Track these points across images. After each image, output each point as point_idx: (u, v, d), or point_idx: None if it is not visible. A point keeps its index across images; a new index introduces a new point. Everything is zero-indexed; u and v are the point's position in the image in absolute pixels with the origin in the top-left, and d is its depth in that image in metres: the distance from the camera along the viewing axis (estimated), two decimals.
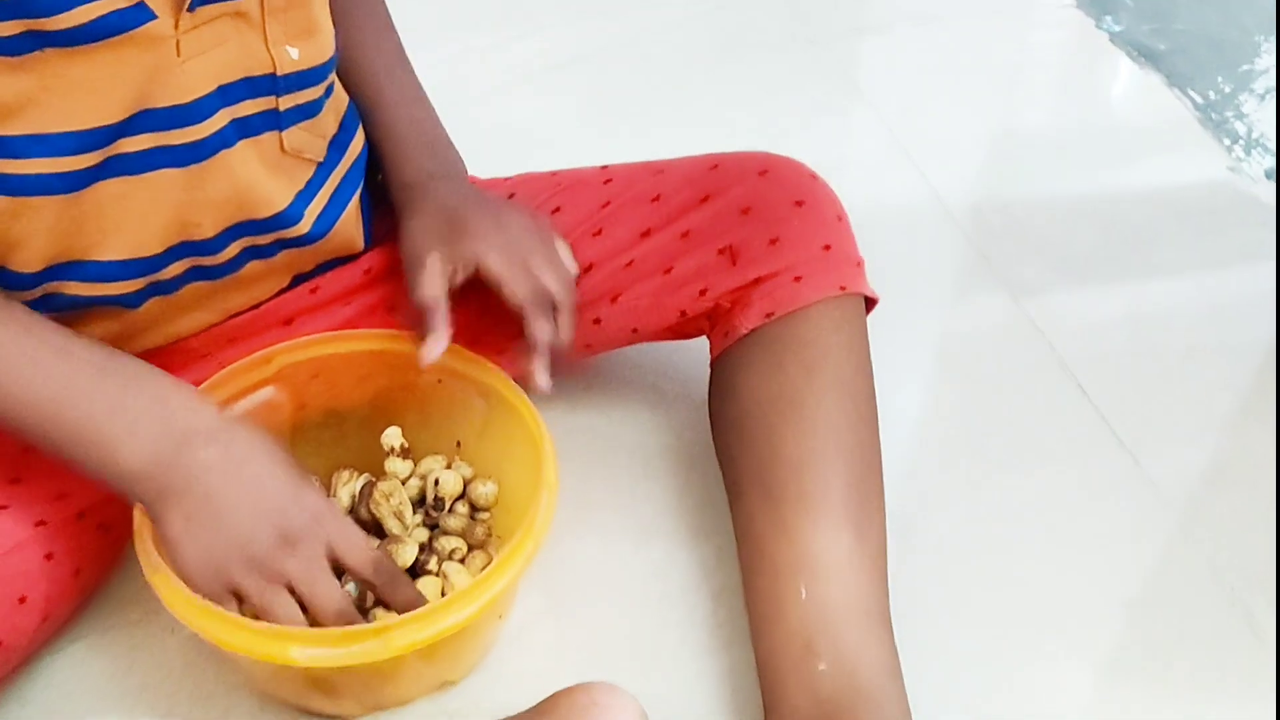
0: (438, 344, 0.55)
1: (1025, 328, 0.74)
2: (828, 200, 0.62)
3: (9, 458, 0.54)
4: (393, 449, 0.60)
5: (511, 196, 0.65)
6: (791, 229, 0.61)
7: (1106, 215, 0.84)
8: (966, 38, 1.01)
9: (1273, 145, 0.89)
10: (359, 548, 0.50)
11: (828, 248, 0.60)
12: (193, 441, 0.49)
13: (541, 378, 0.56)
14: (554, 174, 0.66)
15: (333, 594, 0.49)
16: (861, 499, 0.56)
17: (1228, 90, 0.94)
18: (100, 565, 0.57)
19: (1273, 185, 0.86)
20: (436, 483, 0.58)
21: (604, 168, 0.66)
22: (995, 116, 0.93)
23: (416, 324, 0.57)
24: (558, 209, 0.64)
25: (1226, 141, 0.89)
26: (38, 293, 0.53)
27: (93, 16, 0.45)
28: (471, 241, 0.57)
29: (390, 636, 0.47)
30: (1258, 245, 0.81)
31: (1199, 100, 0.93)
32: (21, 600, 0.52)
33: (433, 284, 0.57)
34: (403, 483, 0.59)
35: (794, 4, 1.04)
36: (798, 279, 0.59)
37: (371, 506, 0.57)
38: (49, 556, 0.53)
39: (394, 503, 0.57)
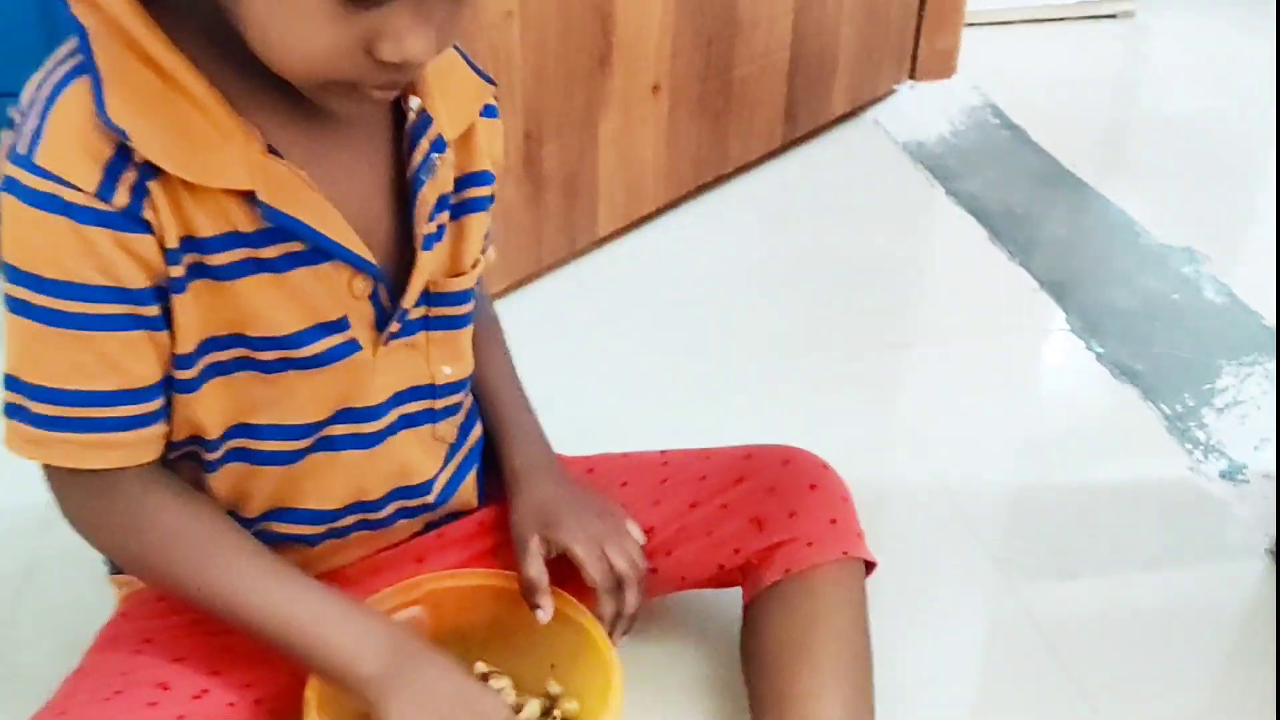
0: (545, 614, 0.75)
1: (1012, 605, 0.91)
2: (836, 485, 0.81)
3: (210, 653, 0.73)
4: (482, 674, 0.78)
5: (590, 472, 0.85)
6: (806, 506, 0.79)
7: (1086, 505, 1.01)
8: (976, 355, 1.21)
9: (1228, 452, 1.07)
10: None
11: (834, 521, 0.79)
12: (409, 651, 0.68)
13: (613, 638, 0.75)
14: (624, 455, 0.86)
15: None
16: (855, 709, 0.73)
17: (1191, 404, 1.12)
18: None
19: (1227, 484, 1.03)
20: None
21: (663, 452, 0.86)
22: (997, 421, 1.12)
23: (523, 582, 0.76)
24: (625, 483, 0.83)
25: (1188, 447, 1.07)
26: (252, 530, 0.73)
27: (323, 349, 0.66)
28: (561, 532, 0.77)
29: None
30: (1211, 537, 0.98)
31: (1167, 412, 1.12)
32: None
33: (535, 565, 0.76)
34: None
35: (833, 320, 1.25)
36: (809, 544, 0.78)
37: None
38: None
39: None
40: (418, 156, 0.67)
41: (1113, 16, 2.07)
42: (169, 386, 0.65)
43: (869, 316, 1.27)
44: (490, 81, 0.73)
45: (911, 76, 1.81)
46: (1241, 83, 1.80)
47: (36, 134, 0.58)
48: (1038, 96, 1.77)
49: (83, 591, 0.82)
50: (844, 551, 0.78)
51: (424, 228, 0.68)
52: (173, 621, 0.74)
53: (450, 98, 0.69)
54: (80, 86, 0.58)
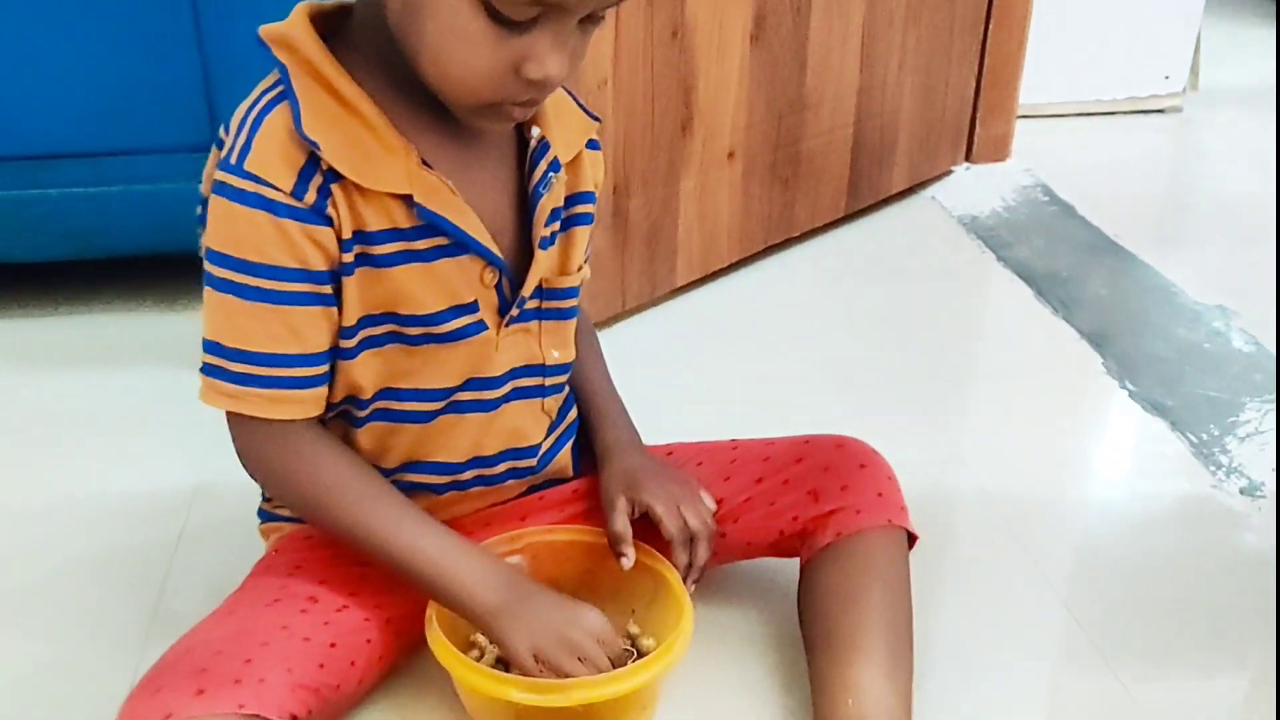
0: (628, 561, 0.88)
1: (1049, 595, 1.02)
2: (883, 466, 0.93)
3: (349, 579, 0.86)
4: None
5: (669, 454, 0.98)
6: (856, 481, 0.91)
7: (1117, 512, 1.12)
8: (1019, 391, 1.33)
9: (1248, 473, 1.17)
10: (613, 641, 0.82)
11: (880, 494, 0.91)
12: (521, 586, 0.82)
13: (685, 586, 0.88)
14: (699, 443, 0.99)
15: (602, 660, 0.80)
16: (894, 658, 0.84)
17: (1216, 434, 1.23)
18: (394, 651, 0.88)
19: (1246, 499, 1.13)
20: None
21: (733, 441, 0.99)
22: (1036, 443, 1.24)
23: (610, 534, 0.89)
24: (700, 463, 0.96)
25: (1212, 469, 1.18)
26: (389, 479, 0.87)
27: (457, 327, 0.80)
28: (644, 493, 0.90)
29: (570, 692, 0.77)
30: (1230, 542, 1.08)
31: (1194, 440, 1.22)
32: (351, 664, 0.82)
33: (621, 520, 0.89)
34: None
35: (890, 361, 1.38)
36: (858, 512, 0.89)
37: None
38: (368, 640, 0.84)
39: None
40: (537, 174, 0.82)
41: (1161, 111, 2.21)
42: (334, 354, 0.80)
43: (922, 358, 1.40)
44: (595, 119, 0.89)
45: (968, 159, 1.96)
46: None
47: (246, 147, 0.74)
48: (1085, 178, 1.91)
49: (228, 555, 0.95)
50: (889, 520, 0.90)
51: (540, 231, 0.83)
52: (318, 555, 0.88)
53: (563, 130, 0.85)
54: (282, 110, 0.74)
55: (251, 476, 0.84)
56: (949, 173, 1.94)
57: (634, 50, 1.34)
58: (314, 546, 0.88)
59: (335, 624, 0.83)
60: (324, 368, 0.79)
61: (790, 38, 1.54)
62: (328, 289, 0.77)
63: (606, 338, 1.36)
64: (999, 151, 1.98)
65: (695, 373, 1.35)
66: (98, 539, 1.06)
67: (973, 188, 1.89)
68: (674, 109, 1.42)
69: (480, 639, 0.87)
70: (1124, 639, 0.96)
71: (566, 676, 0.79)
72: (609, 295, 1.43)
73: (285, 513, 0.92)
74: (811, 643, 0.88)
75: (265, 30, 0.76)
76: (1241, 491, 1.14)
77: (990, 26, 1.88)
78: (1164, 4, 2.14)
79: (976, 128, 1.94)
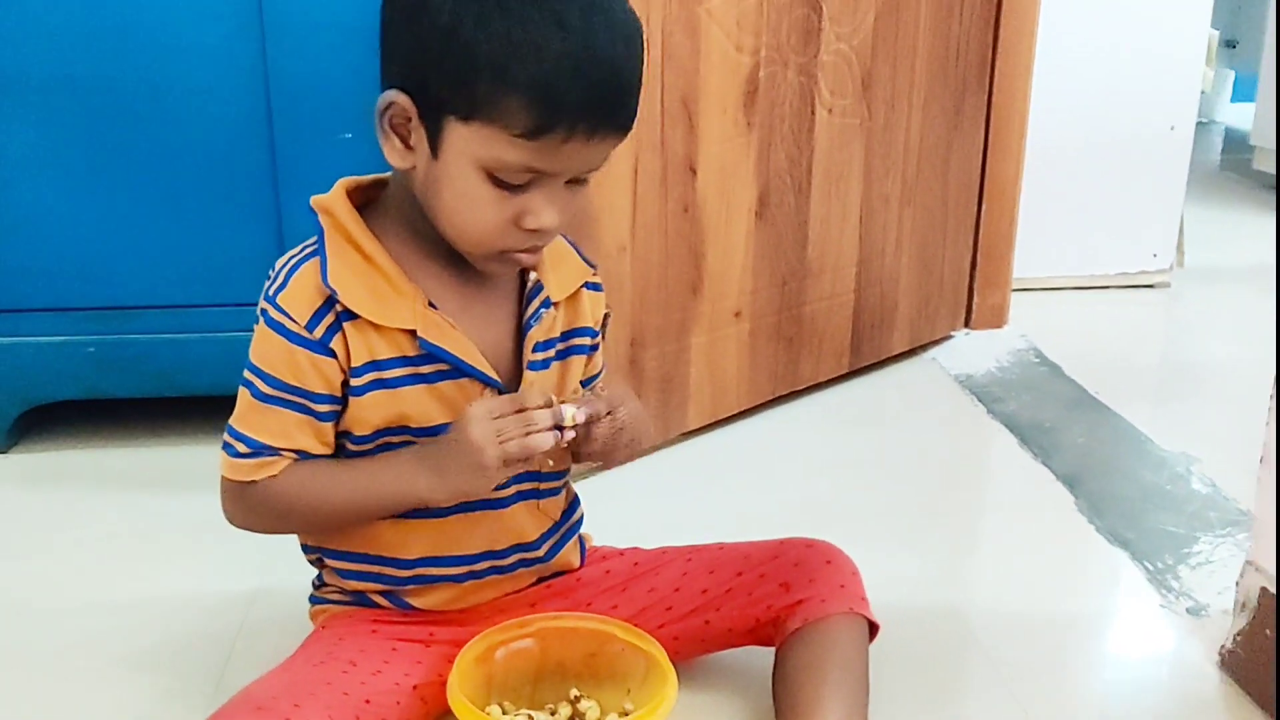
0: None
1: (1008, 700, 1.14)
2: (847, 563, 1.07)
3: (383, 651, 1.01)
4: (575, 697, 1.04)
5: (663, 553, 1.12)
6: (822, 575, 1.06)
7: (1078, 629, 1.25)
8: (998, 525, 1.48)
9: (1195, 596, 1.29)
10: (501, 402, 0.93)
11: (843, 586, 1.05)
12: (426, 452, 0.95)
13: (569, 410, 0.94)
14: (690, 545, 1.14)
15: (515, 427, 0.91)
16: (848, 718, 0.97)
17: (1170, 563, 1.36)
18: (420, 716, 1.01)
19: (1191, 618, 1.25)
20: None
21: (720, 544, 1.13)
22: (1007, 567, 1.37)
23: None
24: (689, 558, 1.11)
25: (1164, 592, 1.30)
26: (411, 573, 1.03)
27: None
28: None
29: None
30: (1172, 654, 1.20)
31: (1150, 568, 1.35)
32: None
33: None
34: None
35: (885, 499, 1.53)
36: (823, 601, 1.03)
37: None
38: (398, 702, 0.98)
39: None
40: (530, 310, 1.01)
41: (1150, 286, 2.39)
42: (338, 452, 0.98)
43: (914, 496, 1.54)
44: (591, 265, 1.08)
45: (967, 325, 2.13)
46: (1260, 335, 2.07)
47: (281, 286, 0.94)
48: (1074, 342, 2.08)
49: (282, 642, 1.09)
50: (850, 608, 1.04)
51: (530, 356, 1.01)
52: (358, 629, 1.03)
53: (559, 274, 1.04)
54: (314, 263, 0.94)
55: (241, 526, 1.02)
56: (949, 337, 2.11)
57: (649, 222, 1.54)
58: (355, 623, 1.04)
59: (370, 685, 0.97)
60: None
61: (792, 214, 1.74)
62: (321, 407, 0.95)
63: (625, 475, 1.53)
64: (996, 319, 2.15)
65: (704, 505, 1.50)
66: (167, 630, 1.22)
67: (971, 350, 2.06)
68: (685, 273, 1.61)
69: (498, 708, 1.01)
70: None
71: (509, 474, 0.93)
72: None
73: (333, 596, 1.07)
74: (780, 711, 1.01)
75: (314, 200, 0.97)
76: (1188, 611, 1.26)
77: (983, 207, 2.08)
78: (1148, 188, 2.33)
79: (974, 297, 2.12)
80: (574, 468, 1.09)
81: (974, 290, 2.12)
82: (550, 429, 0.92)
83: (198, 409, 1.64)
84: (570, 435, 0.94)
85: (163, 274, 1.55)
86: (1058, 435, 1.71)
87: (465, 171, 0.88)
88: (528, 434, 0.91)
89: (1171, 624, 1.25)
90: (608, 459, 1.02)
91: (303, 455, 0.97)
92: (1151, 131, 2.29)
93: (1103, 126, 2.30)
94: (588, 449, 0.99)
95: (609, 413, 0.97)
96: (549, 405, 0.92)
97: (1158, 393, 1.93)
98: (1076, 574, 1.37)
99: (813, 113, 1.72)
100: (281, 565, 0.97)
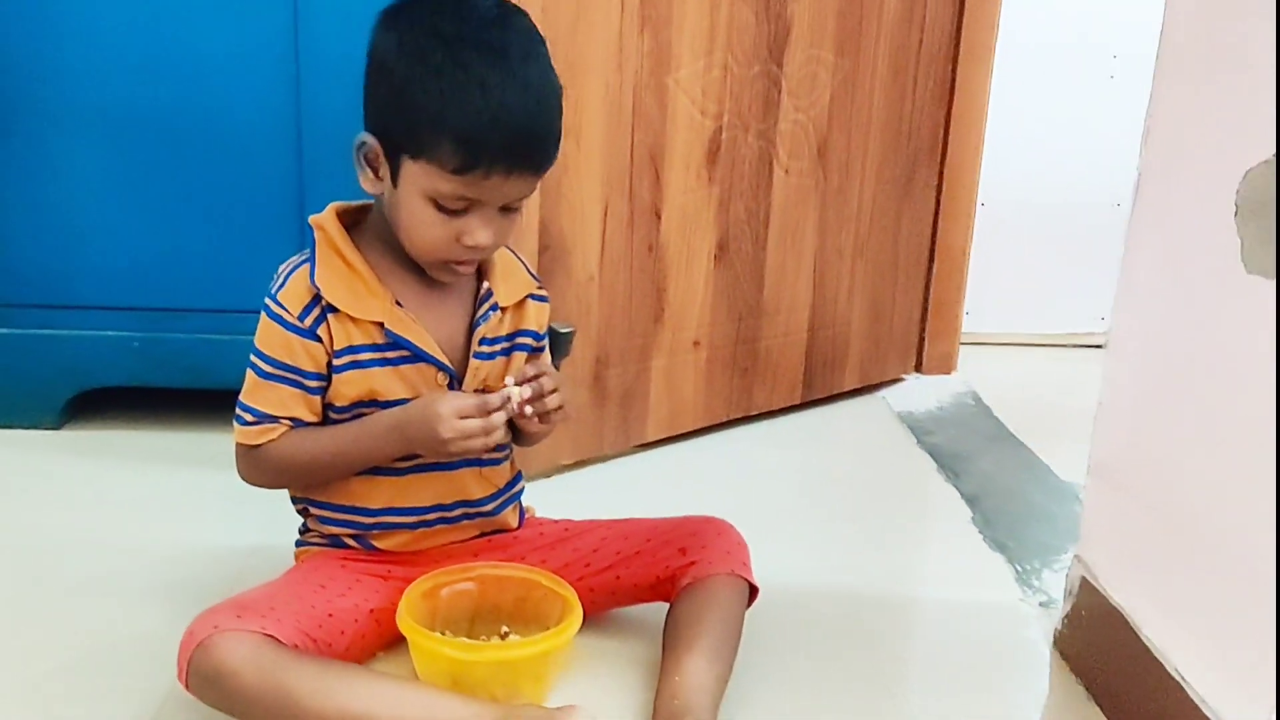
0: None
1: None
2: (736, 535, 1.31)
3: (348, 581, 1.25)
4: (504, 633, 1.28)
5: (580, 524, 1.37)
6: (713, 543, 1.29)
7: (956, 618, 1.47)
8: (901, 529, 1.69)
9: (1049, 592, 1.51)
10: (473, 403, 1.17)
11: (729, 552, 1.28)
12: (402, 427, 1.18)
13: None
14: (609, 519, 1.38)
15: (469, 425, 1.16)
16: (715, 655, 1.19)
17: (1037, 567, 1.58)
18: (374, 635, 1.25)
19: (1041, 610, 1.47)
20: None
21: (634, 519, 1.37)
22: (909, 566, 1.59)
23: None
24: (610, 527, 1.35)
25: (1024, 589, 1.52)
26: (375, 520, 1.28)
27: None
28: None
29: (484, 652, 1.14)
30: (1018, 635, 1.42)
31: (1019, 570, 1.57)
32: (341, 633, 1.20)
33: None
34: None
35: (814, 508, 1.75)
36: (710, 563, 1.27)
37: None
38: (356, 620, 1.21)
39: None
40: (480, 311, 1.26)
41: (1097, 346, 2.61)
42: (324, 420, 1.24)
43: (832, 504, 1.78)
44: (537, 279, 1.33)
45: (918, 370, 2.37)
46: None
47: (281, 285, 1.20)
48: (1011, 390, 2.31)
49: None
50: (732, 570, 1.27)
51: (475, 348, 1.26)
52: (331, 563, 1.27)
53: (509, 285, 1.29)
54: (306, 267, 1.21)
55: (252, 484, 1.27)
56: (901, 379, 2.34)
57: (616, 258, 1.80)
58: (329, 559, 1.29)
59: (334, 604, 1.22)
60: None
61: (750, 260, 1.99)
62: (311, 383, 1.21)
63: (583, 476, 1.78)
64: (945, 366, 2.38)
65: (651, 504, 1.72)
66: (183, 570, 1.48)
67: (918, 392, 2.29)
68: (648, 304, 1.86)
69: (439, 635, 1.25)
70: (926, 689, 1.31)
71: (467, 449, 1.17)
72: (589, 441, 1.84)
73: (314, 540, 1.32)
74: (665, 649, 1.24)
75: (312, 218, 1.24)
76: (1040, 604, 1.49)
77: (934, 266, 2.32)
78: (1097, 256, 2.55)
79: (925, 345, 2.35)
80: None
81: (925, 339, 2.35)
82: (505, 420, 1.18)
83: (225, 401, 1.90)
84: (516, 407, 1.19)
85: (201, 281, 1.83)
86: (971, 463, 1.94)
87: (415, 198, 1.14)
88: (488, 435, 1.17)
89: (1025, 614, 1.47)
90: (544, 431, 1.27)
91: (297, 423, 1.22)
92: (1099, 204, 2.53)
93: (1054, 198, 2.54)
94: (528, 428, 1.25)
95: (550, 391, 1.21)
96: (505, 403, 1.18)
97: (1069, 433, 2.13)
98: (957, 572, 1.59)
99: (771, 172, 1.97)
100: (275, 527, 1.26)
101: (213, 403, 1.94)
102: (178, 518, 1.64)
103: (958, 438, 2.05)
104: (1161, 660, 1.14)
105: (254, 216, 1.81)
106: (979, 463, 1.94)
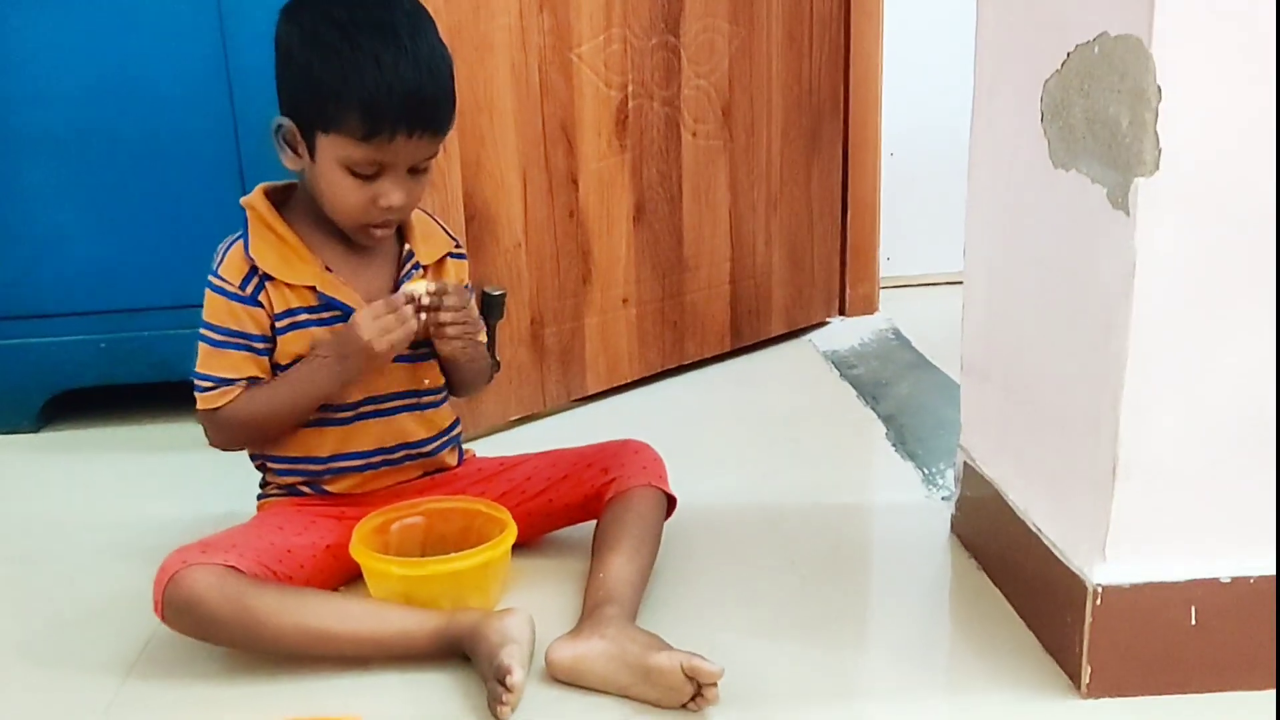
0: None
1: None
2: (652, 453, 1.46)
3: (305, 523, 1.39)
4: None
5: (520, 462, 1.52)
6: (632, 461, 1.44)
7: (870, 513, 1.62)
8: (823, 443, 1.85)
9: (952, 489, 1.66)
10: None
11: (645, 468, 1.43)
12: (332, 361, 1.33)
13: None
14: (543, 452, 1.53)
15: (381, 311, 1.31)
16: (635, 552, 1.34)
17: (942, 468, 1.73)
18: (330, 569, 1.39)
19: (941, 503, 1.62)
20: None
21: (572, 448, 1.52)
22: (825, 475, 1.74)
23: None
24: (541, 458, 1.49)
25: (929, 488, 1.68)
26: (325, 467, 1.42)
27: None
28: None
29: (428, 566, 1.29)
30: (924, 526, 1.57)
31: (925, 473, 1.73)
32: (301, 566, 1.34)
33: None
34: None
35: (750, 447, 1.91)
36: (629, 478, 1.42)
37: None
38: (313, 555, 1.36)
39: None
40: (403, 271, 1.41)
41: None
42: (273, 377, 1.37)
43: (758, 432, 1.93)
44: (453, 238, 1.48)
45: (842, 313, 2.52)
46: None
47: (220, 261, 1.35)
48: (931, 326, 2.45)
49: None
50: (649, 482, 1.42)
51: None
52: (288, 510, 1.41)
53: (428, 245, 1.44)
54: (240, 243, 1.35)
55: (221, 447, 1.41)
56: (826, 323, 2.49)
57: (540, 224, 1.94)
58: (286, 505, 1.43)
59: (292, 541, 1.36)
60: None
61: (667, 220, 2.14)
62: (258, 345, 1.35)
63: (530, 430, 1.93)
64: (868, 307, 2.54)
65: None
66: (158, 539, 1.61)
67: (842, 333, 2.45)
68: (575, 267, 2.01)
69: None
70: (839, 578, 1.46)
71: (391, 342, 1.31)
72: (531, 397, 1.98)
73: (273, 491, 1.46)
74: (592, 555, 1.39)
75: (243, 199, 1.38)
76: (943, 499, 1.64)
77: (848, 215, 2.47)
78: None
79: (846, 289, 2.51)
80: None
81: (845, 283, 2.50)
82: (416, 312, 1.32)
83: (190, 391, 2.04)
84: (426, 304, 1.32)
85: (158, 281, 1.97)
86: (889, 389, 2.09)
87: (332, 168, 1.29)
88: (403, 325, 1.30)
89: (928, 507, 1.62)
90: (460, 351, 1.39)
91: (252, 381, 1.36)
92: None
93: (959, 147, 2.68)
94: (442, 343, 1.37)
95: (453, 308, 1.34)
96: (410, 299, 1.32)
97: None
98: (869, 478, 1.75)
99: (679, 136, 2.12)
100: (244, 498, 1.41)
101: (179, 393, 2.08)
102: (154, 496, 1.78)
103: (879, 369, 2.20)
104: (1024, 519, 1.30)
105: (201, 216, 1.94)
106: (897, 388, 2.09)
